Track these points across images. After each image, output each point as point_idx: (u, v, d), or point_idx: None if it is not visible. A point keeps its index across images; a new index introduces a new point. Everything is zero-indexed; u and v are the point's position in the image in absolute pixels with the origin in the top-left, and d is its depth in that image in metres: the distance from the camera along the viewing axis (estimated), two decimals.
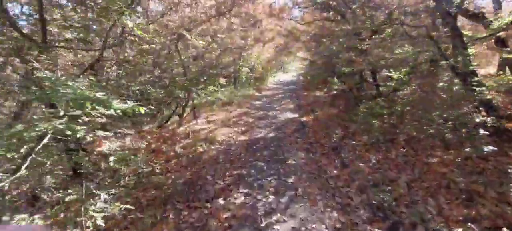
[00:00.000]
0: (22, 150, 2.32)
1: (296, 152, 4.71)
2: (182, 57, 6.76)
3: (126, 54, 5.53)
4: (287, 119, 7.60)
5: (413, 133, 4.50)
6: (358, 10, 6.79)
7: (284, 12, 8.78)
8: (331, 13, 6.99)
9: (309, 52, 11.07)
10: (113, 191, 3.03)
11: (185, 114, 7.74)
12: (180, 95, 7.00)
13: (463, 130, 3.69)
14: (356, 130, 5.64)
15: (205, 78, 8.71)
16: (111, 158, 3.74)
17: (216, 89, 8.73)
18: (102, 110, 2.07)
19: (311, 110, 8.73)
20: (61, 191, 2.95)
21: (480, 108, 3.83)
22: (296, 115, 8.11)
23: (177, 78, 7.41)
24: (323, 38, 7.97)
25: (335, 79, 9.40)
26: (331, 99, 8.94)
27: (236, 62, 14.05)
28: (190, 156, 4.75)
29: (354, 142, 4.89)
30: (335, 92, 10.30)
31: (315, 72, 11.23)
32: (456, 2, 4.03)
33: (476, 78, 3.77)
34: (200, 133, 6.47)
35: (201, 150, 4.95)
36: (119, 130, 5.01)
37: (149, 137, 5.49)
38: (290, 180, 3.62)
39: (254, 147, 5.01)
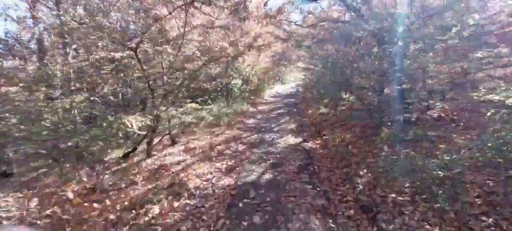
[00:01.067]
0: None
1: (306, 215, 2.96)
2: (147, 67, 5.09)
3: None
4: (288, 145, 5.89)
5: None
6: (377, 8, 5.24)
7: (281, 13, 7.28)
8: (343, 13, 5.45)
9: (313, 60, 9.51)
10: None
11: (153, 142, 6.00)
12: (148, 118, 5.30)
13: None
14: (387, 170, 3.94)
15: (183, 93, 7.05)
16: None
17: (199, 107, 7.04)
18: None
19: (317, 132, 7.04)
20: None
21: None
22: (299, 139, 6.41)
23: (146, 93, 5.74)
24: (329, 44, 6.40)
25: (346, 95, 7.78)
26: (341, 118, 7.27)
27: (228, 73, 12.48)
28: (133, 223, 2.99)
29: (393, 195, 3.17)
30: (343, 108, 8.70)
31: (321, 84, 9.61)
32: None
33: None
34: (170, 170, 4.72)
35: (156, 210, 3.18)
36: None
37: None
38: None
39: (240, 205, 3.25)
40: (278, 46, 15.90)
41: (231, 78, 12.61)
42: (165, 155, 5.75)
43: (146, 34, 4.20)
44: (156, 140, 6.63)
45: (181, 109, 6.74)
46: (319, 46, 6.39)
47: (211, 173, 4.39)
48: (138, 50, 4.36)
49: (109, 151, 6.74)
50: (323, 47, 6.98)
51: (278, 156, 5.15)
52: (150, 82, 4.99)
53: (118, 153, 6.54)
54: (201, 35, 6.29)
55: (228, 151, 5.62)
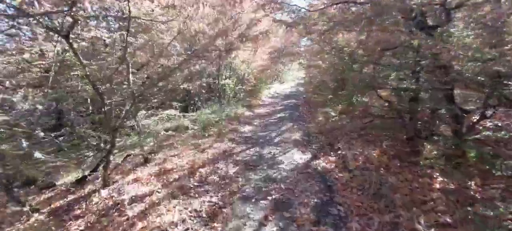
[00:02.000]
0: None
1: None
2: (93, 63, 3.59)
3: None
4: (294, 166, 4.43)
5: None
6: None
7: None
8: None
9: (322, 54, 8.08)
10: None
11: (111, 165, 4.53)
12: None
13: None
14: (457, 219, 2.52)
15: (160, 97, 5.58)
16: None
17: (180, 114, 5.56)
18: None
19: (329, 144, 5.59)
20: None
21: None
22: (308, 156, 4.97)
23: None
24: (346, 30, 4.93)
25: (361, 98, 6.36)
26: (358, 126, 5.83)
27: (220, 72, 10.99)
28: None
29: None
30: (357, 112, 7.26)
31: (332, 82, 8.21)
32: None
33: None
34: (125, 212, 3.24)
35: None
36: None
37: None
38: None
39: None
40: (277, 40, 14.45)
41: (224, 77, 11.13)
42: (128, 182, 4.25)
43: (80, 13, 2.70)
44: (120, 159, 5.14)
45: (155, 118, 5.26)
46: (332, 34, 4.92)
47: (183, 222, 2.90)
48: (70, 36, 2.86)
49: (62, 173, 5.28)
50: (337, 35, 5.52)
51: (283, 186, 3.68)
52: (98, 84, 3.48)
53: (76, 175, 5.06)
54: (182, 20, 4.79)
55: (214, 177, 4.14)
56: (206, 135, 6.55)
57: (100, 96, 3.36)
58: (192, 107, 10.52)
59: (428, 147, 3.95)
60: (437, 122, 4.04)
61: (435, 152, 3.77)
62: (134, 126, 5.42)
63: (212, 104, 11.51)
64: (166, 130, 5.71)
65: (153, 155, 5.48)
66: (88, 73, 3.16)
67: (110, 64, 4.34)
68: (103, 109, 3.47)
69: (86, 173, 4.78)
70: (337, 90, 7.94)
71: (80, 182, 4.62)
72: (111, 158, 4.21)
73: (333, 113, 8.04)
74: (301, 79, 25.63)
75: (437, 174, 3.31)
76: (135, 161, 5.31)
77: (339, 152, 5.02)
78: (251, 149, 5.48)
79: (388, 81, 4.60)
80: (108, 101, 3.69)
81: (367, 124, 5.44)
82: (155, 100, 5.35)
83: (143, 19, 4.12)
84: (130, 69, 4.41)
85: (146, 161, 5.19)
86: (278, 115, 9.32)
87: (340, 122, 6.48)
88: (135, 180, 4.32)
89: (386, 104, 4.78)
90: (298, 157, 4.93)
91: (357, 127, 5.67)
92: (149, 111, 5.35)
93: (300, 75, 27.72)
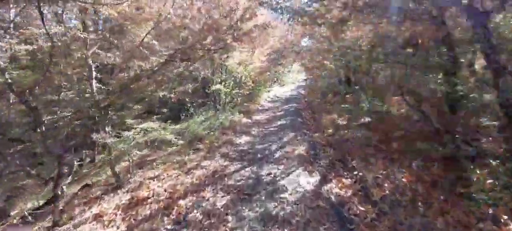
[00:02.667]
0: None
1: None
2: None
3: None
4: (301, 196, 3.46)
5: None
6: None
7: None
8: None
9: (327, 53, 7.17)
10: None
11: (65, 196, 3.58)
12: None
13: None
14: None
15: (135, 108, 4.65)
16: None
17: (152, 128, 4.62)
18: None
19: (341, 160, 4.64)
20: None
21: None
22: (317, 178, 4.01)
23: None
24: (364, 19, 4.00)
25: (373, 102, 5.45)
26: (376, 138, 4.86)
27: (214, 76, 10.05)
28: None
29: None
30: (368, 119, 6.32)
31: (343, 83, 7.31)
32: None
33: None
34: None
35: None
36: None
37: None
38: None
39: None
40: (276, 41, 13.53)
41: (219, 81, 10.19)
42: (87, 220, 3.28)
43: None
44: (89, 182, 4.20)
45: (129, 134, 4.31)
46: (344, 26, 3.99)
47: None
48: None
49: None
50: (350, 30, 4.59)
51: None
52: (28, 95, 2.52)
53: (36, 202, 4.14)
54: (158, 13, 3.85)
55: (196, 214, 3.17)
56: (194, 150, 5.59)
57: (32, 112, 2.40)
58: (184, 114, 9.58)
59: (477, 171, 2.99)
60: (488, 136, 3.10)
61: (491, 180, 2.81)
62: (105, 142, 4.47)
63: (206, 110, 10.59)
64: (141, 149, 4.75)
65: (131, 175, 4.53)
66: (9, 81, 2.20)
67: (65, 67, 3.39)
68: (38, 128, 2.50)
69: (40, 203, 3.83)
70: (346, 93, 6.99)
71: (37, 211, 3.67)
72: (62, 189, 3.24)
73: (341, 121, 7.09)
74: (301, 81, 24.74)
75: (506, 217, 2.35)
76: (105, 187, 4.35)
77: (355, 172, 4.06)
78: (247, 169, 4.51)
79: (417, 84, 3.66)
80: (48, 117, 2.73)
81: (389, 137, 4.47)
82: (128, 111, 4.39)
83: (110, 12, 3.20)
84: (94, 74, 3.47)
85: (117, 187, 4.22)
86: (279, 122, 8.36)
87: (351, 132, 5.51)
88: (97, 217, 3.34)
89: (411, 110, 3.84)
90: (305, 180, 3.96)
91: (375, 139, 4.71)
92: (118, 124, 4.41)
93: (301, 78, 26.84)
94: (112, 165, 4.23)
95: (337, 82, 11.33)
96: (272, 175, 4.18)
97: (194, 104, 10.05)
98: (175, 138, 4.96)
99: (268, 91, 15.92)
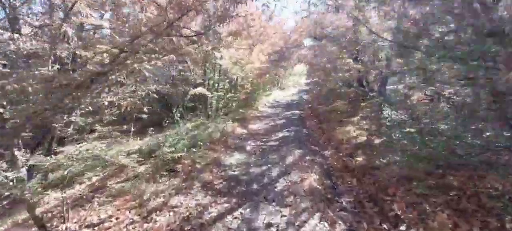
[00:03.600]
0: None
1: None
2: None
3: None
4: None
5: None
6: None
7: None
8: None
9: (341, 54, 5.80)
10: None
11: None
12: None
13: None
14: None
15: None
16: None
17: (94, 147, 3.14)
18: None
19: (373, 200, 3.19)
20: None
21: None
22: None
23: None
24: None
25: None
26: (428, 168, 3.40)
27: (207, 76, 8.60)
28: None
29: None
30: (380, 125, 4.89)
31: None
32: None
33: None
34: None
35: None
36: None
37: None
38: None
39: None
40: (277, 41, 12.13)
41: (207, 82, 8.75)
42: None
43: None
44: None
45: (60, 157, 2.84)
46: None
47: None
48: None
49: None
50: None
51: None
52: None
53: None
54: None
55: None
56: (168, 172, 4.12)
57: None
58: (167, 121, 8.10)
59: None
60: None
61: None
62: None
63: (197, 116, 9.13)
64: (93, 169, 3.28)
65: (66, 215, 3.04)
66: None
67: None
68: None
69: None
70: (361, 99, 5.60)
71: None
72: None
73: (358, 133, 5.64)
74: (303, 85, 23.36)
75: None
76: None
77: (402, 228, 2.61)
78: (236, 213, 3.04)
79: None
80: None
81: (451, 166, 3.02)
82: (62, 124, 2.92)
83: None
84: None
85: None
86: (280, 134, 6.90)
87: (382, 158, 4.05)
88: None
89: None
90: None
91: (425, 170, 3.24)
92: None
93: (302, 81, 25.47)
94: (30, 206, 2.75)
95: (346, 85, 9.93)
96: (275, 229, 2.72)
97: (181, 109, 8.60)
98: (136, 162, 3.47)
99: (268, 95, 14.49)
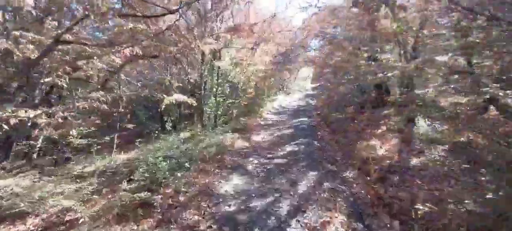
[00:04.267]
0: None
1: None
2: None
3: None
4: None
5: None
6: None
7: None
8: None
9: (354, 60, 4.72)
10: None
11: None
12: None
13: None
14: None
15: None
16: None
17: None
18: None
19: None
20: None
21: None
22: None
23: None
24: None
25: None
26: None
27: (203, 79, 7.56)
28: None
29: None
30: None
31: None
32: None
33: None
34: None
35: None
36: None
37: None
38: None
39: None
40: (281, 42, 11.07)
41: (207, 87, 7.73)
42: None
43: None
44: None
45: None
46: None
47: None
48: None
49: None
50: None
51: None
52: None
53: None
54: None
55: None
56: (141, 205, 3.04)
57: None
58: (156, 132, 7.03)
59: None
60: None
61: None
62: None
63: (193, 124, 8.10)
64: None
65: None
66: None
67: None
68: None
69: None
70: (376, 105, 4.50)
71: None
72: None
73: (383, 149, 4.51)
74: (309, 89, 22.24)
75: None
76: None
77: None
78: None
79: None
80: None
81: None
82: None
83: None
84: None
85: None
86: (288, 147, 5.80)
87: (429, 189, 2.90)
88: None
89: None
90: None
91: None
92: None
93: (308, 86, 24.34)
94: None
95: (360, 90, 8.78)
96: None
97: (173, 118, 7.58)
98: (80, 202, 2.40)
99: (273, 100, 13.40)
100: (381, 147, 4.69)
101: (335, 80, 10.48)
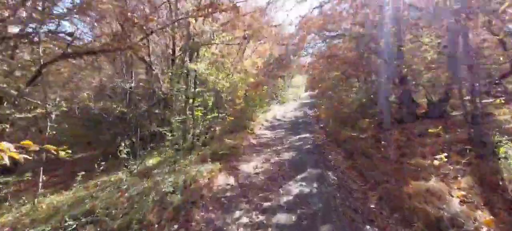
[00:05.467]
0: None
1: None
2: None
3: None
4: None
5: None
6: None
7: None
8: None
9: None
10: None
11: None
12: None
13: None
14: None
15: None
16: None
17: None
18: None
19: None
20: None
21: None
22: None
23: None
24: None
25: None
26: None
27: (173, 87, 5.60)
28: None
29: None
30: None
31: None
32: None
33: None
34: None
35: None
36: None
37: None
38: None
39: None
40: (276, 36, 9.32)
41: (180, 97, 5.79)
42: None
43: None
44: None
45: None
46: None
47: None
48: None
49: None
50: None
51: None
52: None
53: None
54: None
55: None
56: None
57: None
58: (104, 164, 4.91)
59: None
60: None
61: None
62: None
63: (163, 148, 6.07)
64: None
65: None
66: None
67: None
68: None
69: None
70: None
71: None
72: None
73: (455, 195, 2.65)
74: (305, 98, 20.62)
75: None
76: None
77: None
78: None
79: None
80: None
81: None
82: None
83: None
84: None
85: None
86: (292, 187, 3.88)
87: None
88: None
89: None
90: None
91: None
92: None
93: (302, 94, 22.76)
94: None
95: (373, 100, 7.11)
96: None
97: (133, 141, 5.54)
98: None
99: (266, 111, 11.53)
100: (451, 194, 2.85)
101: (340, 87, 8.77)
